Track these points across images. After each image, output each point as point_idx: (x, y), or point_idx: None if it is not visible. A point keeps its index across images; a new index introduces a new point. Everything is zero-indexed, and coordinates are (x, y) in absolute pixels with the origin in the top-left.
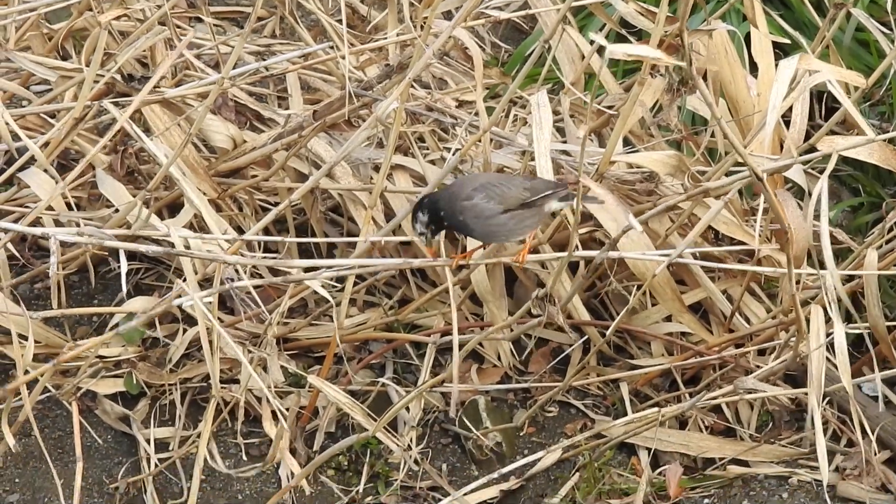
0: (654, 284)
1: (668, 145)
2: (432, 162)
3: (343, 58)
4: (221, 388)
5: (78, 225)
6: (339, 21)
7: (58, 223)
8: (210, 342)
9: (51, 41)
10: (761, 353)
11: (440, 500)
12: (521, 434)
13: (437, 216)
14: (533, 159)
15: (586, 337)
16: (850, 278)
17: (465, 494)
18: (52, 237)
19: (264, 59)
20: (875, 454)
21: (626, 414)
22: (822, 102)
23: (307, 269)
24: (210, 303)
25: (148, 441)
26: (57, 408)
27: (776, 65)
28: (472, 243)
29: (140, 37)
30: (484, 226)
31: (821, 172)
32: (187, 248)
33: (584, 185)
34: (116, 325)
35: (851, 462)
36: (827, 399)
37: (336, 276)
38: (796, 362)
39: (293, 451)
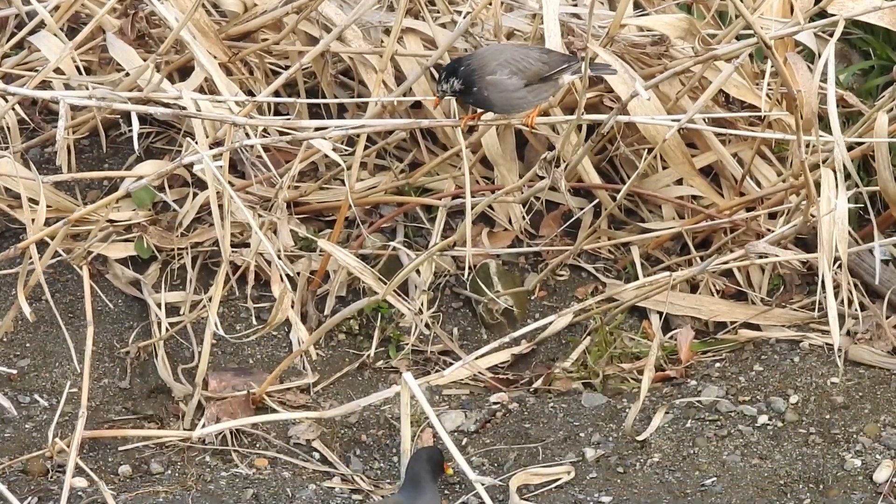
0: (665, 148)
1: (679, 8)
2: (443, 25)
3: None
4: (232, 252)
5: (88, 88)
6: None
7: (68, 87)
8: (220, 206)
9: None
10: (772, 216)
11: (451, 363)
12: (532, 298)
13: (469, 89)
14: (543, 22)
15: (597, 200)
16: (860, 142)
17: (476, 358)
18: (62, 100)
19: None
20: (886, 318)
21: (637, 277)
22: None
23: (317, 130)
24: (221, 166)
25: (159, 305)
26: (68, 272)
27: None
28: None
29: None
30: (507, 99)
31: (832, 35)
32: (198, 110)
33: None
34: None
35: (863, 326)
36: (838, 263)
37: (345, 135)
38: (807, 226)
39: (304, 316)
